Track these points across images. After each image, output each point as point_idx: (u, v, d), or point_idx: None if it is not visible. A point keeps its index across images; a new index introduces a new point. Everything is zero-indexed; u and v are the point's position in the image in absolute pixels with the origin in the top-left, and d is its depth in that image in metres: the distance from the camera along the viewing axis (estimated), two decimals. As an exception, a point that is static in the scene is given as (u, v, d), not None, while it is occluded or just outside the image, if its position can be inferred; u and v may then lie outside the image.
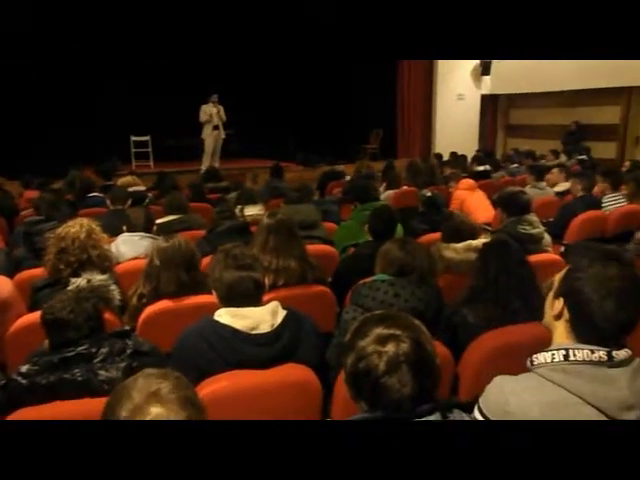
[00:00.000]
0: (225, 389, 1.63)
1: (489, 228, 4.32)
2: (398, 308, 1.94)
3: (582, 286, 1.22)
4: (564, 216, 4.61)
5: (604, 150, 10.44)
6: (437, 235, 3.27)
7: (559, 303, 1.29)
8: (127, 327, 1.80)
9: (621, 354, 1.20)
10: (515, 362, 1.36)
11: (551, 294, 1.34)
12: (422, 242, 3.48)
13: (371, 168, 7.52)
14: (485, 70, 12.10)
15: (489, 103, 12.89)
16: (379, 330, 1.11)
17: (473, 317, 2.08)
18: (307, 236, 3.38)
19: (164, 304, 2.30)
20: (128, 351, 1.59)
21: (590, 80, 10.08)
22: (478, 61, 12.06)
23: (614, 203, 4.77)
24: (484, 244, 2.34)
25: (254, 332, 1.72)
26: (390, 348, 1.08)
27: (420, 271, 2.08)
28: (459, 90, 12.24)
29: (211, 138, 9.88)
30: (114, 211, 4.13)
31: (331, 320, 2.54)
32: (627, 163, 7.34)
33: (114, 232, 3.14)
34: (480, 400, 1.31)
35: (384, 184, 6.05)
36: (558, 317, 1.30)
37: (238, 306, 1.76)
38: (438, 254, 2.85)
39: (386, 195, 5.60)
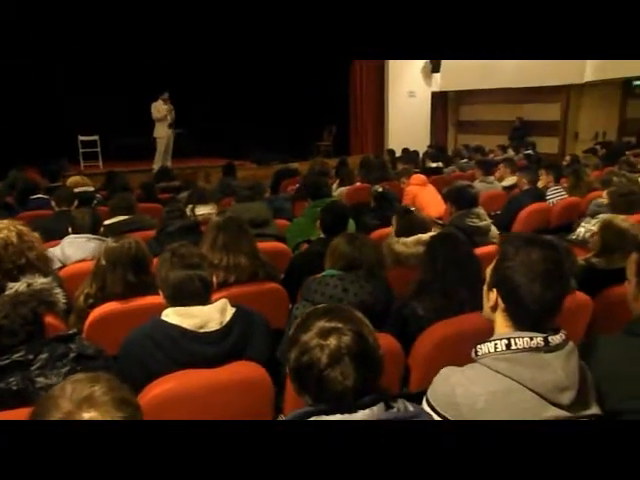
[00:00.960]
0: (173, 390, 1.60)
1: (440, 222, 4.40)
2: (347, 302, 1.96)
3: (511, 274, 1.27)
4: (511, 209, 4.76)
5: (547, 145, 10.87)
6: (389, 230, 3.31)
7: (493, 294, 1.33)
8: (73, 330, 1.74)
9: (556, 339, 1.25)
10: (463, 351, 1.40)
11: (485, 286, 1.38)
12: (374, 237, 3.55)
13: (325, 165, 7.55)
14: (435, 68, 12.34)
15: (439, 100, 13.15)
16: (322, 324, 1.12)
17: (422, 309, 2.12)
18: (259, 234, 3.37)
19: (111, 306, 2.24)
20: (71, 355, 1.53)
21: (532, 78, 10.52)
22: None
23: (557, 195, 4.97)
24: (431, 237, 2.39)
25: (202, 330, 1.70)
26: (332, 341, 1.09)
27: (368, 265, 2.10)
28: (410, 87, 12.45)
29: (165, 136, 9.69)
30: (60, 213, 4.00)
31: (283, 316, 2.54)
32: (567, 157, 7.64)
33: (60, 234, 3.04)
34: (428, 392, 1.34)
35: (337, 181, 6.09)
36: (494, 308, 1.34)
37: (186, 305, 1.74)
38: (389, 248, 2.90)
39: (339, 191, 5.63)
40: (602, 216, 3.25)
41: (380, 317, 2.05)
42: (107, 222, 3.54)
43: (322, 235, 2.98)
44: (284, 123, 11.72)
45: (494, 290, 1.33)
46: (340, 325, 1.11)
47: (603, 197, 4.16)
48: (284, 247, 3.42)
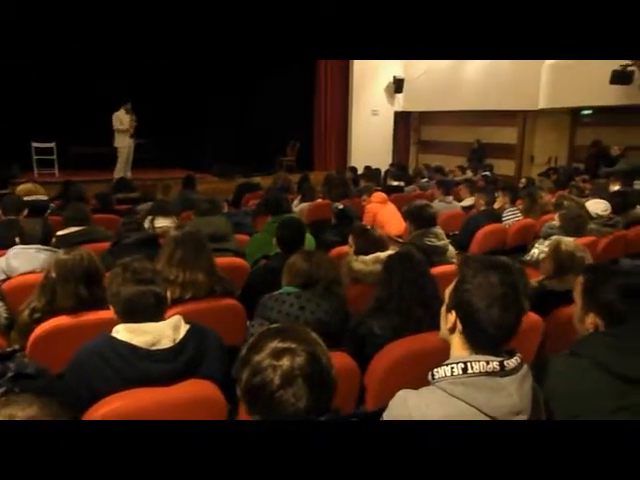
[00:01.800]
0: (121, 409, 1.55)
1: (400, 240, 4.45)
2: (304, 320, 1.95)
3: (470, 297, 1.29)
4: (469, 229, 4.86)
5: (504, 167, 11.22)
6: (348, 247, 3.32)
7: (452, 316, 1.35)
8: (15, 347, 1.66)
9: (511, 363, 1.27)
10: (419, 371, 1.40)
11: (443, 308, 1.40)
12: (334, 254, 3.55)
13: (288, 180, 7.56)
14: (398, 88, 12.58)
15: (402, 119, 13.40)
16: (274, 344, 1.10)
17: (378, 328, 2.13)
18: (218, 248, 3.34)
19: (60, 320, 2.16)
20: (9, 374, 1.45)
21: (491, 102, 10.91)
22: (392, 78, 12.53)
23: (512, 217, 5.10)
24: (388, 256, 2.41)
25: (154, 348, 1.66)
26: (285, 362, 1.07)
27: (326, 282, 2.10)
28: (373, 106, 12.64)
29: (126, 146, 9.52)
30: (6, 221, 3.84)
31: (240, 333, 2.50)
32: (523, 180, 7.88)
33: (5, 244, 2.92)
34: (384, 414, 1.34)
35: (299, 196, 6.10)
36: (452, 330, 1.35)
37: (138, 321, 1.69)
38: (348, 266, 2.90)
39: (300, 207, 5.64)
40: (554, 238, 3.35)
41: (337, 335, 2.05)
42: (60, 233, 3.43)
43: (279, 251, 2.97)
44: (248, 137, 11.70)
45: (453, 312, 1.34)
46: (293, 345, 1.10)
47: (555, 220, 4.30)
48: (243, 263, 3.39)
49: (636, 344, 1.46)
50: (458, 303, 1.32)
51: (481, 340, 1.30)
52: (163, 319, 1.75)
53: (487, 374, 1.25)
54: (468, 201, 6.05)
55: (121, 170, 9.52)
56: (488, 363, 1.26)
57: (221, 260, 3.04)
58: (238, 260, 3.39)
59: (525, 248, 4.46)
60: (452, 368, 1.28)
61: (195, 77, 10.80)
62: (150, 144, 10.70)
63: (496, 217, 5.06)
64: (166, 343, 1.68)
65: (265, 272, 2.85)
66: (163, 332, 1.68)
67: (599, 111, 10.35)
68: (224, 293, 2.56)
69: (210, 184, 9.52)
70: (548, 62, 10.32)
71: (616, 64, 8.60)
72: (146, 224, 3.93)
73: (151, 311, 1.72)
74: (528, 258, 4.00)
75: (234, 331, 2.46)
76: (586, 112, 10.68)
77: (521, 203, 5.38)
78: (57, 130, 9.61)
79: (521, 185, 7.23)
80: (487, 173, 9.50)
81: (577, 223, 3.99)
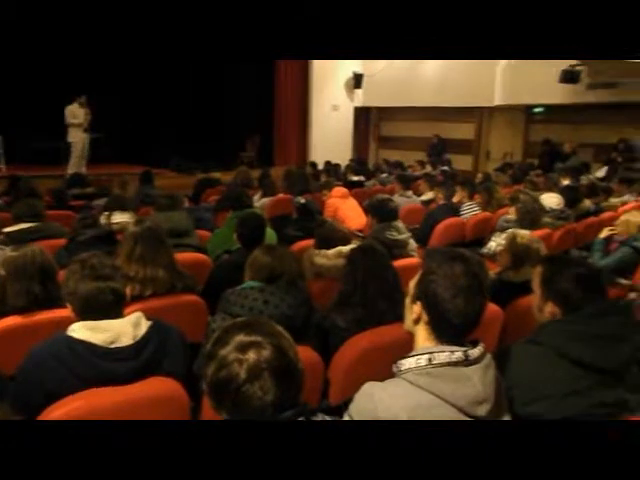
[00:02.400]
0: (80, 410, 1.49)
1: (361, 234, 4.47)
2: (268, 315, 1.93)
3: (435, 288, 1.30)
4: (428, 223, 4.93)
5: (462, 162, 11.46)
6: (310, 241, 3.32)
7: (417, 307, 1.36)
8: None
9: (475, 352, 1.29)
10: (383, 363, 1.41)
11: (408, 299, 1.41)
12: (295, 248, 3.54)
13: (248, 175, 7.49)
14: (357, 83, 12.64)
15: (362, 115, 13.47)
16: (240, 338, 1.09)
17: (343, 321, 2.13)
18: (178, 244, 3.28)
19: (12, 320, 2.08)
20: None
21: (449, 99, 11.13)
22: (351, 74, 12.58)
23: (470, 210, 5.21)
24: (351, 250, 2.41)
25: (113, 346, 1.61)
26: (251, 355, 1.06)
27: (289, 276, 2.09)
28: (334, 101, 12.66)
29: (80, 141, 9.22)
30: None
31: (201, 329, 2.45)
32: (479, 175, 8.05)
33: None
34: (350, 408, 1.34)
35: (260, 192, 6.05)
36: (417, 321, 1.37)
37: (96, 319, 1.64)
38: (310, 260, 2.90)
39: (261, 203, 5.59)
40: (510, 231, 3.43)
41: (301, 329, 2.04)
42: (8, 229, 3.29)
43: (239, 246, 2.94)
44: (207, 131, 11.53)
45: (418, 303, 1.35)
46: (259, 339, 1.08)
47: (510, 213, 4.42)
48: (205, 258, 3.34)
49: (590, 330, 1.51)
50: (424, 294, 1.33)
51: (446, 330, 1.31)
52: (122, 316, 1.70)
53: (452, 364, 1.27)
54: (428, 195, 6.14)
55: (75, 165, 9.21)
56: (453, 353, 1.27)
57: (182, 256, 2.99)
58: (199, 256, 3.34)
59: (483, 241, 4.56)
60: (417, 359, 1.29)
61: (153, 71, 10.55)
62: (105, 139, 10.40)
63: (455, 211, 5.15)
64: (126, 341, 1.63)
65: (227, 267, 2.81)
66: (123, 329, 1.64)
67: (551, 109, 10.69)
68: (185, 289, 2.51)
69: (169, 179, 9.35)
70: (502, 60, 10.58)
71: (565, 64, 8.89)
72: (102, 220, 3.82)
73: (109, 308, 1.67)
74: (486, 251, 4.10)
75: (196, 327, 2.42)
76: (538, 110, 11.00)
77: (479, 197, 5.50)
78: (4, 124, 9.21)
79: (478, 180, 7.38)
80: (446, 168, 9.67)
81: (532, 216, 4.11)
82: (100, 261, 1.72)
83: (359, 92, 12.89)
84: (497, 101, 10.82)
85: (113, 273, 1.71)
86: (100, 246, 2.80)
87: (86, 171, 9.06)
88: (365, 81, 12.61)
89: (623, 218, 3.90)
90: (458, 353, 1.27)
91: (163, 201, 3.71)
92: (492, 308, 2.46)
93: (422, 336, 1.36)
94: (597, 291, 1.62)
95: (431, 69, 11.63)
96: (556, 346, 1.51)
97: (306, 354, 1.96)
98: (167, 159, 10.65)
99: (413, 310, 1.38)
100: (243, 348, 1.07)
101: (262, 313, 1.93)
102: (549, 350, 1.52)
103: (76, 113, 9.06)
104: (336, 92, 12.66)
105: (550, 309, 1.66)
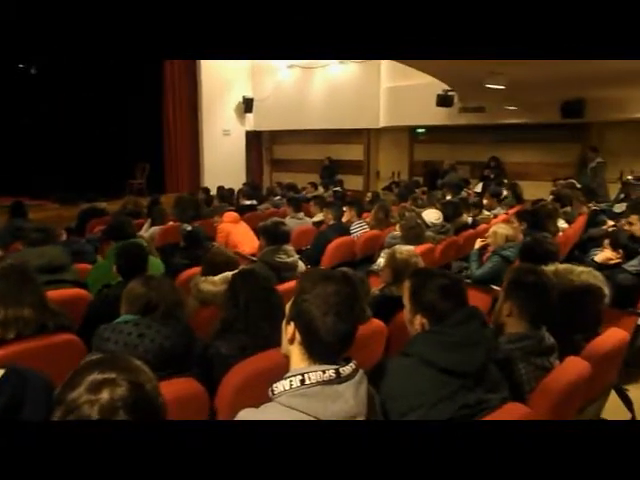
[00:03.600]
0: None
1: (254, 258, 4.46)
2: (144, 349, 1.84)
3: (307, 307, 1.32)
4: (319, 243, 5.03)
5: (354, 182, 11.88)
6: (198, 269, 3.25)
7: (290, 327, 1.36)
8: None
9: (347, 370, 1.31)
10: (267, 388, 1.39)
11: (284, 321, 1.41)
12: (183, 277, 3.45)
13: (138, 204, 7.22)
14: (248, 107, 12.72)
15: (254, 139, 13.54)
16: (92, 377, 1.02)
17: (226, 348, 2.09)
18: (55, 280, 3.11)
19: None
20: None
21: (336, 121, 11.56)
22: (241, 99, 12.64)
23: (360, 229, 5.38)
24: (232, 275, 2.39)
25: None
26: (104, 395, 1.00)
27: (166, 307, 2.02)
28: (225, 126, 12.62)
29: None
30: None
31: (79, 370, 2.31)
32: (369, 194, 8.37)
33: None
34: None
35: (149, 220, 5.85)
36: (291, 341, 1.37)
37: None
38: (196, 287, 2.83)
39: (151, 232, 5.41)
40: (391, 248, 3.58)
41: (182, 360, 1.97)
42: None
43: (121, 279, 2.81)
44: (92, 160, 10.99)
45: (292, 323, 1.36)
46: (113, 375, 1.03)
47: (396, 230, 4.62)
48: (84, 293, 3.15)
49: (455, 339, 1.60)
50: (297, 314, 1.34)
51: (318, 349, 1.33)
52: (-24, 365, 1.55)
53: (324, 383, 1.28)
54: (319, 217, 6.26)
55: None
56: (324, 372, 1.29)
57: (58, 293, 2.84)
58: (78, 291, 3.15)
59: (372, 258, 4.72)
60: (290, 381, 1.30)
61: (34, 97, 9.91)
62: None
63: (345, 230, 5.30)
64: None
65: (105, 302, 2.66)
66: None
67: (431, 130, 11.44)
68: (59, 328, 2.35)
69: (51, 211, 8.78)
70: (386, 85, 11.17)
71: (440, 89, 9.57)
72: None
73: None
74: (375, 267, 4.25)
75: (72, 368, 2.26)
76: (420, 130, 11.72)
77: (368, 216, 5.70)
78: None
79: (367, 199, 7.66)
80: (338, 189, 9.94)
81: (416, 232, 4.32)
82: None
83: (250, 116, 12.96)
84: (382, 123, 11.38)
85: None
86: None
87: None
88: (255, 105, 12.72)
89: (492, 230, 4.22)
90: (330, 371, 1.29)
91: (35, 235, 3.47)
92: (376, 323, 2.54)
93: (296, 357, 1.37)
94: (459, 299, 1.72)
95: (317, 92, 12.00)
96: (424, 356, 1.59)
97: (188, 385, 1.90)
98: (49, 190, 9.99)
99: (287, 331, 1.38)
100: (95, 388, 1.01)
101: (137, 348, 1.84)
102: (418, 361, 1.59)
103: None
104: (226, 117, 12.63)
105: (419, 321, 1.73)
